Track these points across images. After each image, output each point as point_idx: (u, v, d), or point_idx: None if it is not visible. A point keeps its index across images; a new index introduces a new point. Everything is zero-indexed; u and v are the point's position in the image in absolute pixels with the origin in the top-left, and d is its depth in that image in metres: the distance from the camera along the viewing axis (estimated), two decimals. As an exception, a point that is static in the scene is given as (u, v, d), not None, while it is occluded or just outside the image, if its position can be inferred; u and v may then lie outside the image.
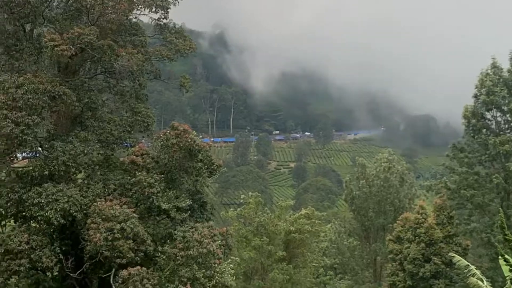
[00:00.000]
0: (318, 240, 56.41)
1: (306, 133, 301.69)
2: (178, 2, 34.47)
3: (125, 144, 34.32)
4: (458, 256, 26.04)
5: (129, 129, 34.39)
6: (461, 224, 48.80)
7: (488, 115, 47.65)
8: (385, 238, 57.03)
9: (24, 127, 29.16)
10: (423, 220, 49.65)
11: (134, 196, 31.88)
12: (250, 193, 53.56)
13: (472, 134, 47.85)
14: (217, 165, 33.45)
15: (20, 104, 29.34)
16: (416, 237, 49.31)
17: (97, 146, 33.01)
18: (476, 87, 47.10)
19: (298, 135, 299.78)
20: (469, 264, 24.44)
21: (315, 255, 55.02)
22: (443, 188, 49.66)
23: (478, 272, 23.78)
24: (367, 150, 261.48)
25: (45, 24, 33.39)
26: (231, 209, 55.17)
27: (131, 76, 34.58)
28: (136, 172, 31.68)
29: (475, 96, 47.33)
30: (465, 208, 48.28)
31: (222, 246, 31.73)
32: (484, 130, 47.13)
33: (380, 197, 66.40)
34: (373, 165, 69.01)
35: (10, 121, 28.81)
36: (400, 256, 50.03)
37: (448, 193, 49.06)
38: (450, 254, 35.58)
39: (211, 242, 30.47)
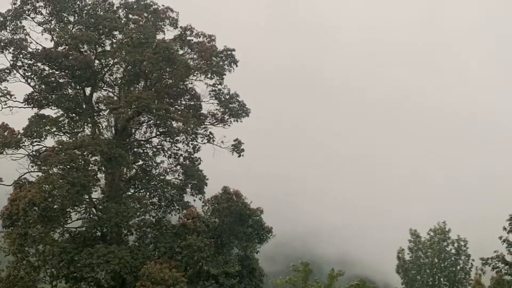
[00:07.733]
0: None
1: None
2: (234, 69, 34.95)
3: (177, 207, 34.38)
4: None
5: (181, 192, 34.61)
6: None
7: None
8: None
9: (80, 188, 29.66)
10: (480, 296, 47.60)
11: (183, 260, 31.68)
12: (300, 261, 52.56)
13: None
14: (267, 230, 33.14)
15: (77, 165, 29.95)
16: (473, 313, 47.28)
17: (150, 208, 33.27)
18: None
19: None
20: None
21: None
22: (500, 262, 47.77)
23: None
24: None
25: (104, 88, 34.38)
26: (280, 277, 54.13)
27: (185, 139, 35.03)
28: (187, 235, 31.62)
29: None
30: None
31: (270, 314, 31.11)
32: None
33: (434, 269, 64.12)
34: (427, 235, 66.97)
35: (66, 181, 29.36)
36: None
37: (506, 268, 47.15)
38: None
39: (260, 310, 29.91)
